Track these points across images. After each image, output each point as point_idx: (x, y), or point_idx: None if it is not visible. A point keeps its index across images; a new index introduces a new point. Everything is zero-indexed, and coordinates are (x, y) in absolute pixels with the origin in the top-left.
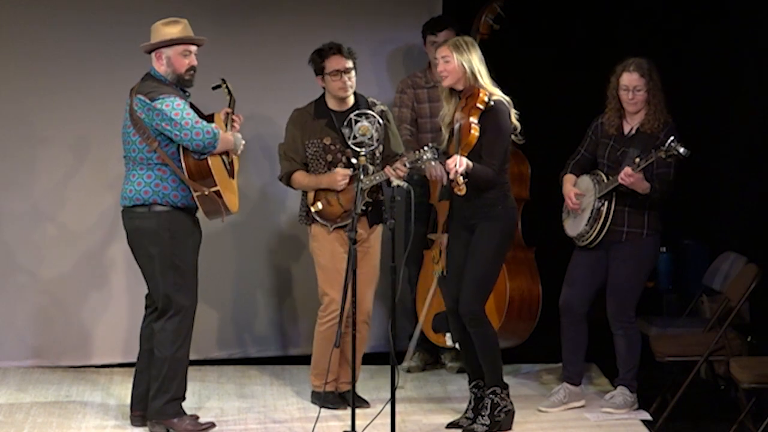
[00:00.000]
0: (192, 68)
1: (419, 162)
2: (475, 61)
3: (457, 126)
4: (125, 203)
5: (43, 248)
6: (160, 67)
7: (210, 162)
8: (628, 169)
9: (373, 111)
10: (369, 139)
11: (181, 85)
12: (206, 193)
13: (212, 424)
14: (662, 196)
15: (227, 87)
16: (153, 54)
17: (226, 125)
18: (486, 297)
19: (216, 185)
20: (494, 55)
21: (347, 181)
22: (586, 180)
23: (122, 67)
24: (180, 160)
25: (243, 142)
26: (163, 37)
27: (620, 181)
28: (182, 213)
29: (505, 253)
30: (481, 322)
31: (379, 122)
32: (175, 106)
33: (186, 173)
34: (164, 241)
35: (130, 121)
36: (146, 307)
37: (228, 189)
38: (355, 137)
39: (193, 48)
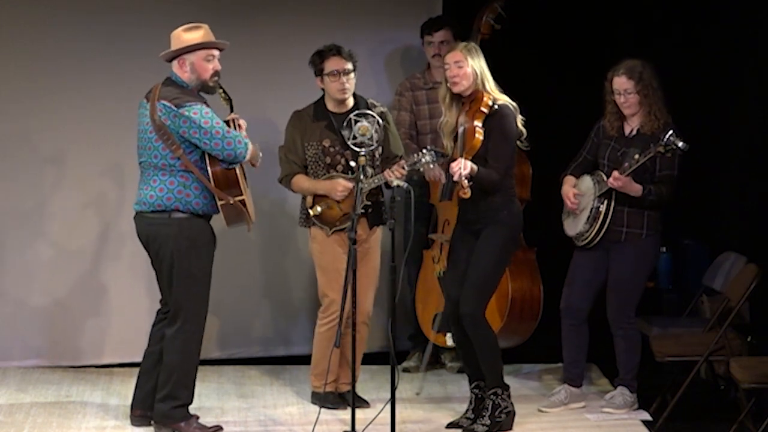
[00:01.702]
0: (216, 73)
1: (417, 165)
2: (484, 66)
3: (461, 130)
4: (143, 208)
5: (44, 248)
6: (184, 73)
7: (237, 171)
8: (615, 173)
9: (372, 112)
10: (369, 139)
11: (204, 91)
12: (231, 202)
13: (219, 427)
14: (660, 200)
15: (224, 91)
16: (175, 61)
17: (235, 130)
18: (487, 300)
19: (242, 194)
20: (495, 55)
21: (346, 194)
22: (586, 180)
23: (122, 67)
24: (205, 168)
25: (260, 153)
26: (184, 44)
27: (609, 184)
28: (201, 220)
29: (509, 257)
30: (480, 325)
31: (378, 122)
32: (203, 114)
33: (212, 182)
34: (182, 249)
35: (152, 127)
36: (159, 311)
37: (248, 197)
38: (354, 137)
39: (216, 52)
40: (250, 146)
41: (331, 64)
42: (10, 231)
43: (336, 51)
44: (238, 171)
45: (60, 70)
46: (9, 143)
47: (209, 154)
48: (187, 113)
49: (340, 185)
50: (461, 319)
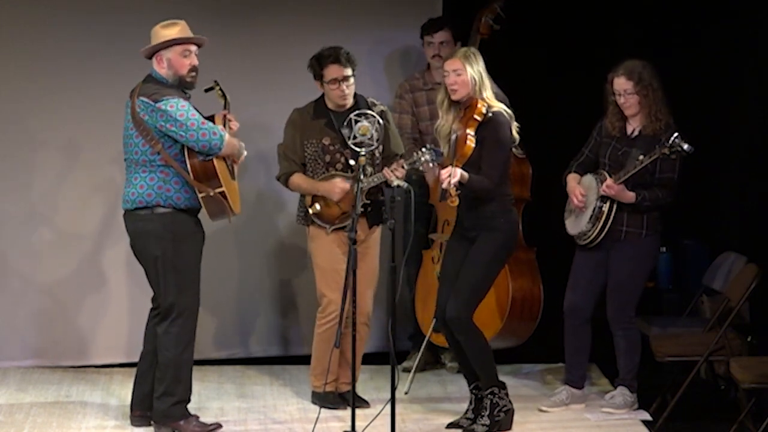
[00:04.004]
0: (193, 69)
1: (417, 164)
2: (483, 73)
3: (453, 137)
4: (127, 206)
5: (43, 248)
6: (162, 69)
7: (215, 163)
8: (609, 181)
9: (372, 111)
10: (369, 139)
11: (183, 86)
12: (211, 194)
13: (219, 425)
14: (656, 204)
15: (220, 89)
16: (154, 57)
17: (224, 128)
18: (475, 306)
19: (221, 186)
20: (494, 55)
21: (343, 195)
22: (588, 179)
23: (122, 67)
24: (184, 162)
25: (245, 152)
26: (161, 40)
27: (602, 192)
28: (185, 215)
29: (502, 265)
30: (467, 329)
31: (379, 122)
32: (179, 107)
33: (191, 174)
34: (167, 244)
35: (132, 123)
36: (152, 309)
37: (231, 190)
38: (355, 137)
39: (193, 48)
40: (226, 138)
41: (331, 72)
42: (10, 231)
43: (335, 58)
44: (216, 163)
45: (60, 70)
46: (9, 143)
47: (187, 148)
48: (163, 107)
49: (338, 187)
50: (448, 323)
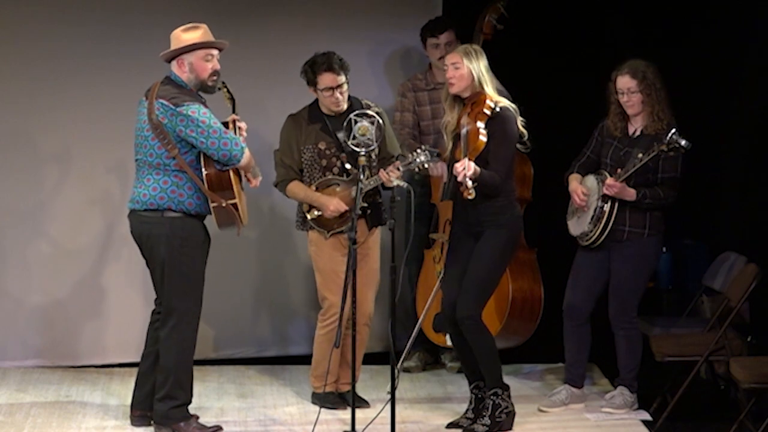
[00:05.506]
0: (215, 73)
1: (412, 165)
2: (482, 68)
3: (464, 131)
4: (136, 207)
5: (44, 247)
6: (183, 73)
7: (231, 174)
8: (609, 180)
9: (372, 112)
10: (368, 139)
11: (203, 90)
12: (223, 204)
13: (219, 427)
14: (658, 202)
15: (228, 90)
16: (174, 61)
17: (235, 132)
18: (484, 303)
19: (234, 198)
20: (497, 55)
21: (336, 215)
22: (590, 179)
23: (122, 67)
24: (200, 170)
25: (260, 177)
26: (183, 44)
27: (604, 191)
28: (194, 220)
29: (508, 261)
30: (478, 329)
31: (379, 122)
32: (201, 114)
33: (206, 184)
34: (174, 248)
35: (149, 125)
36: (154, 311)
37: (241, 201)
38: (354, 137)
39: (215, 52)
40: (246, 151)
41: (324, 81)
42: (10, 230)
43: (328, 66)
44: (231, 174)
45: (60, 70)
46: (9, 143)
47: (204, 156)
48: (185, 111)
49: (332, 206)
50: (459, 322)
